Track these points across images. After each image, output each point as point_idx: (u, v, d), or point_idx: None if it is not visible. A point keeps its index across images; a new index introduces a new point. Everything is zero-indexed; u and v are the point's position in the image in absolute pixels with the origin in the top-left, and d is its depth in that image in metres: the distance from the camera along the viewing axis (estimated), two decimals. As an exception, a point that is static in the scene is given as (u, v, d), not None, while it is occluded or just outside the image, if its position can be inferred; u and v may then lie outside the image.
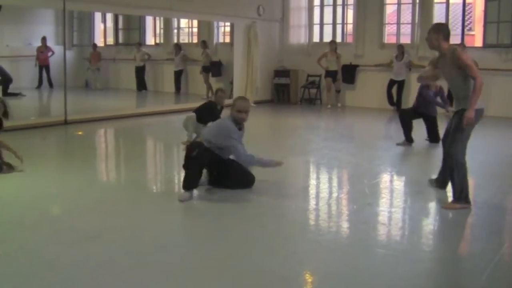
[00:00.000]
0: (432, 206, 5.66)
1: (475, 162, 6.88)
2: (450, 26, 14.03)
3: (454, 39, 13.30)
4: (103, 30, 17.36)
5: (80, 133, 9.96)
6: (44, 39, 14.54)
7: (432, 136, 8.91)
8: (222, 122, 5.90)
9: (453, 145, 5.30)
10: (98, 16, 16.68)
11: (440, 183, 5.94)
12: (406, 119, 8.85)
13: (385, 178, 6.90)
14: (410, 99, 13.48)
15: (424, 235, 4.75)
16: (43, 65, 14.78)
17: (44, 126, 10.09)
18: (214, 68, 15.13)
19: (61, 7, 10.50)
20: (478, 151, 7.71)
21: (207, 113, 8.21)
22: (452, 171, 5.34)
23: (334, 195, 6.07)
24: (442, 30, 5.29)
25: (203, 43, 15.13)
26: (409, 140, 8.75)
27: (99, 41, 16.97)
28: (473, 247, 4.50)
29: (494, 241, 4.50)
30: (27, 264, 3.87)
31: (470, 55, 5.46)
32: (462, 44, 12.65)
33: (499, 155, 8.28)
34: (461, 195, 5.30)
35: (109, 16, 16.76)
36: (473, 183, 6.13)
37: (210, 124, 6.65)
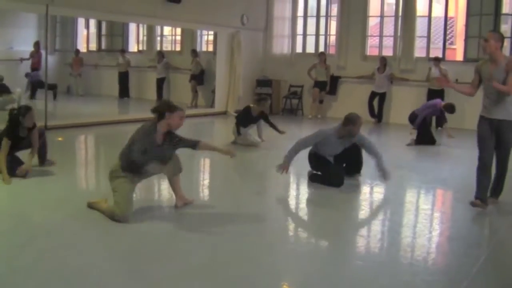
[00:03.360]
0: (410, 217, 5.69)
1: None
2: (431, 40, 14.02)
3: (435, 52, 13.48)
4: (86, 36, 17.27)
5: (60, 139, 9.87)
6: (37, 44, 14.19)
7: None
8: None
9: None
10: (81, 21, 16.56)
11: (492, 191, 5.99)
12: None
13: (365, 190, 6.93)
14: (391, 112, 13.60)
15: (403, 247, 4.76)
16: (35, 70, 14.45)
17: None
18: (197, 77, 15.11)
19: (44, 11, 10.43)
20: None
21: (244, 117, 9.48)
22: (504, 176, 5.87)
23: (314, 206, 6.07)
24: (501, 39, 5.56)
25: (193, 52, 15.13)
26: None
27: (82, 47, 16.85)
28: (450, 260, 4.52)
29: (473, 255, 4.52)
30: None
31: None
32: (437, 57, 12.79)
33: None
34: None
35: (92, 22, 16.67)
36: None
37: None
